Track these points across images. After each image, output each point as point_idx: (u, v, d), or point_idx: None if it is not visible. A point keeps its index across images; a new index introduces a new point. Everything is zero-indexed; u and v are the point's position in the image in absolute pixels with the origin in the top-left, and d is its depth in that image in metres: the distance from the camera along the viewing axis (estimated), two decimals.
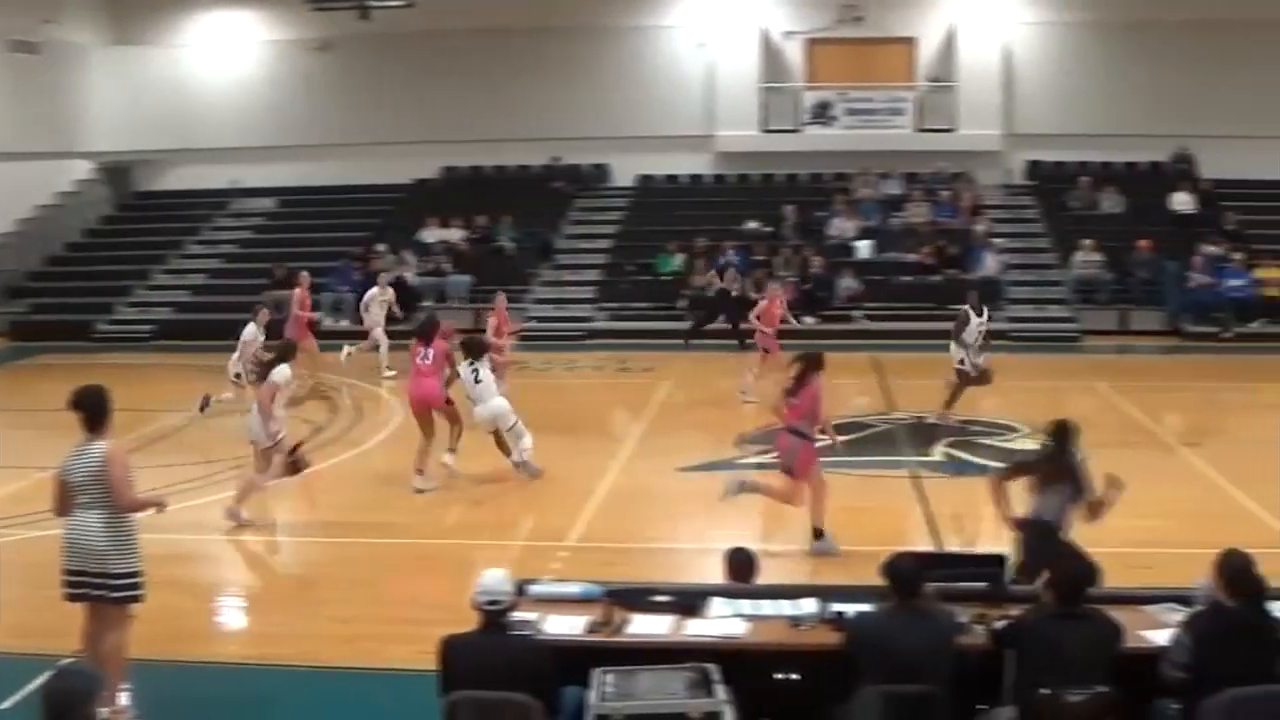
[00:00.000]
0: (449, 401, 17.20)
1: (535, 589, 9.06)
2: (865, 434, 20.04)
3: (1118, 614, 8.29)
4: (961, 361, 20.70)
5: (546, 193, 36.23)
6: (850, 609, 8.45)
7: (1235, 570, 8.03)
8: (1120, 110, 34.84)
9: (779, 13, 36.18)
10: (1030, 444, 18.97)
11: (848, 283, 30.65)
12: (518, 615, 8.19)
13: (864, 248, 32.81)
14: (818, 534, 13.98)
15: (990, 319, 21.59)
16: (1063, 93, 35.35)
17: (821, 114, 35.81)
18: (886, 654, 7.83)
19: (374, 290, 26.32)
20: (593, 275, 33.04)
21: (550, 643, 8.14)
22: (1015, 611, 8.28)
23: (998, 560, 9.25)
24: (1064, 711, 7.71)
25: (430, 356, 17.06)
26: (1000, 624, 8.23)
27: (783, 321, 23.46)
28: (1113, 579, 10.05)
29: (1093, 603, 8.17)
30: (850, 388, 22.97)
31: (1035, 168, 36.00)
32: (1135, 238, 31.33)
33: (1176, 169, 34.85)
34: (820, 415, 14.24)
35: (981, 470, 17.68)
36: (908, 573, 8.16)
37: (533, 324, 30.44)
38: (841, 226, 33.39)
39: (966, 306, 21.18)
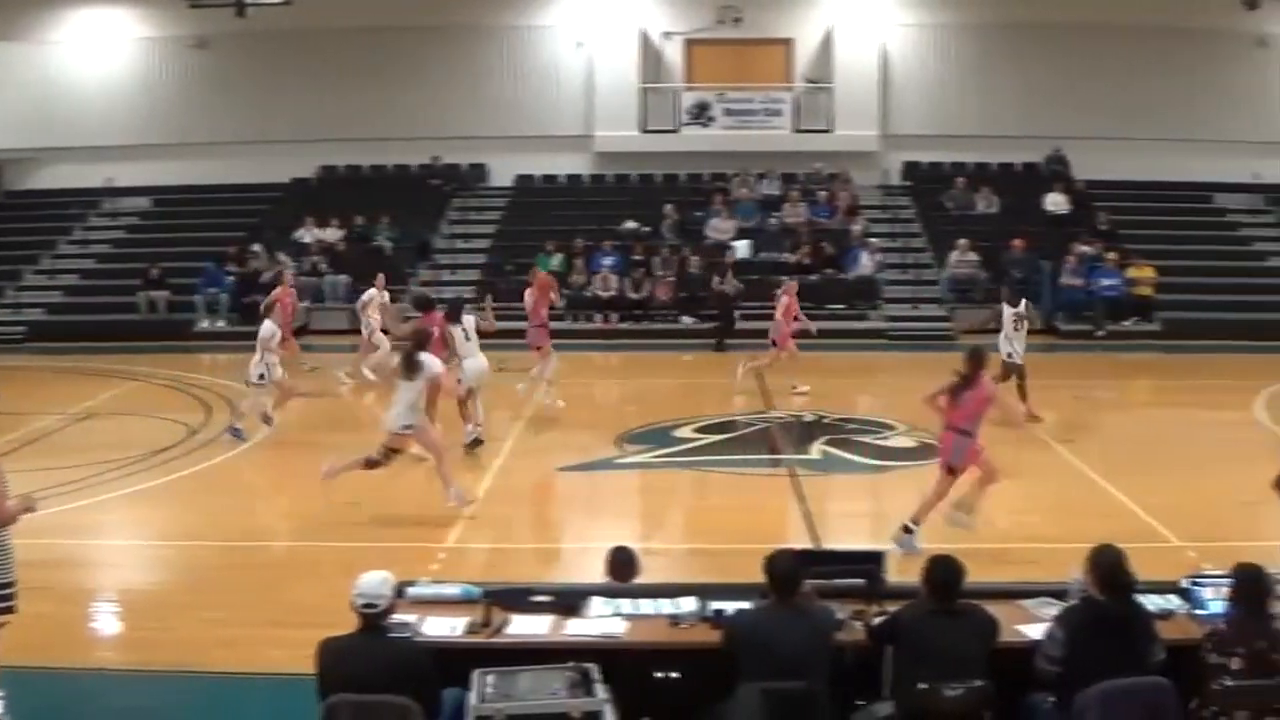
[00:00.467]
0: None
1: (414, 590, 8.99)
2: (743, 433, 20.13)
3: (994, 608, 8.38)
4: (1010, 355, 20.96)
5: (425, 192, 36.03)
6: (729, 607, 8.47)
7: (1106, 565, 8.16)
8: (996, 112, 35.33)
9: (658, 13, 36.25)
10: (907, 441, 19.20)
11: (733, 283, 30.75)
12: (397, 617, 8.13)
13: (741, 248, 32.92)
14: (909, 529, 13.71)
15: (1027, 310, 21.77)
16: (939, 94, 35.78)
17: (700, 114, 35.92)
18: (766, 651, 7.84)
19: (371, 292, 25.39)
20: (471, 275, 32.88)
21: (429, 644, 8.09)
22: (893, 607, 8.34)
23: (875, 557, 9.31)
24: (941, 706, 7.78)
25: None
26: (878, 620, 8.30)
27: (796, 319, 23.61)
28: (989, 573, 10.15)
29: (968, 597, 8.25)
30: (727, 386, 23.04)
31: (911, 168, 36.35)
32: (1010, 237, 31.70)
33: (1051, 170, 35.33)
34: (984, 415, 13.91)
35: (858, 468, 17.88)
36: (786, 570, 8.19)
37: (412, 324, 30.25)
38: (719, 227, 33.50)
39: (1004, 303, 21.41)
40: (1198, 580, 9.14)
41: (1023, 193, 34.50)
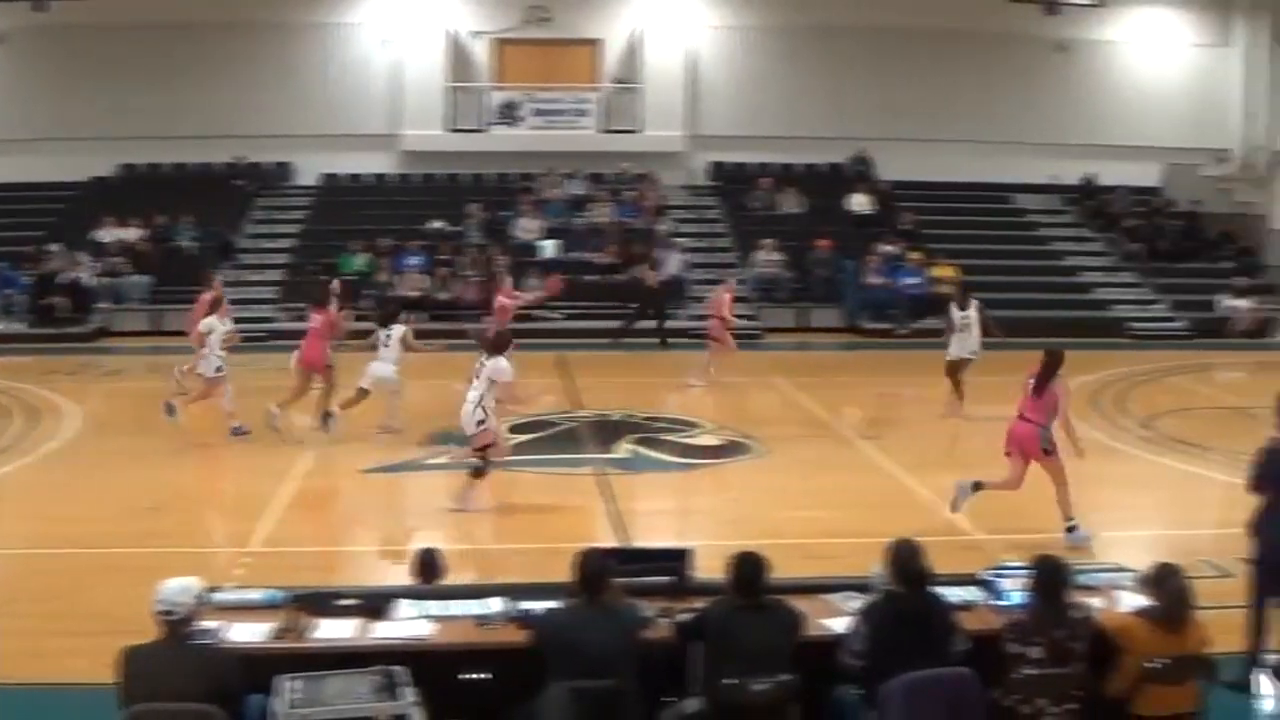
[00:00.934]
0: (329, 366, 19.56)
1: (218, 596, 8.83)
2: (551, 432, 20.11)
3: (799, 603, 8.47)
4: (955, 355, 21.78)
5: (228, 191, 35.44)
6: (537, 606, 8.45)
7: (902, 558, 8.31)
8: (801, 113, 35.78)
9: (466, 12, 36.07)
10: (713, 439, 19.35)
11: (533, 282, 30.68)
12: (202, 624, 7.99)
13: (549, 247, 32.92)
14: (1071, 527, 14.36)
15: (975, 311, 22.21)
16: (746, 96, 36.12)
17: (508, 114, 35.85)
18: (573, 650, 7.84)
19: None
20: (275, 275, 32.43)
21: (234, 650, 7.95)
22: (700, 604, 8.38)
23: (681, 554, 9.35)
24: (748, 700, 7.84)
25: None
26: (685, 616, 8.34)
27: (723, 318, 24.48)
28: (794, 568, 10.25)
29: (773, 593, 8.33)
30: (536, 387, 23.02)
31: (718, 169, 36.65)
32: (814, 237, 32.12)
33: (855, 171, 35.90)
34: (1061, 411, 14.57)
35: (665, 466, 17.96)
36: (593, 569, 8.19)
37: None
38: (527, 226, 33.45)
39: (954, 304, 22.07)
40: (998, 571, 9.33)
41: (827, 193, 34.97)
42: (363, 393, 19.46)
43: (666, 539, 14.30)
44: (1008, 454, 14.79)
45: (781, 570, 8.73)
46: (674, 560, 9.29)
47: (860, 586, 8.83)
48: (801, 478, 17.50)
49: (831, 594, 9.13)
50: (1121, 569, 10.20)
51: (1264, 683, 10.60)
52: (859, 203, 34.25)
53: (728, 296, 24.68)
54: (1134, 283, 33.79)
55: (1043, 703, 8.12)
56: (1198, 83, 38.37)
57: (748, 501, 16.36)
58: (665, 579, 9.06)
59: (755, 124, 35.87)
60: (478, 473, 15.40)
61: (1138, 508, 17.10)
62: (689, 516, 16.10)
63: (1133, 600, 9.02)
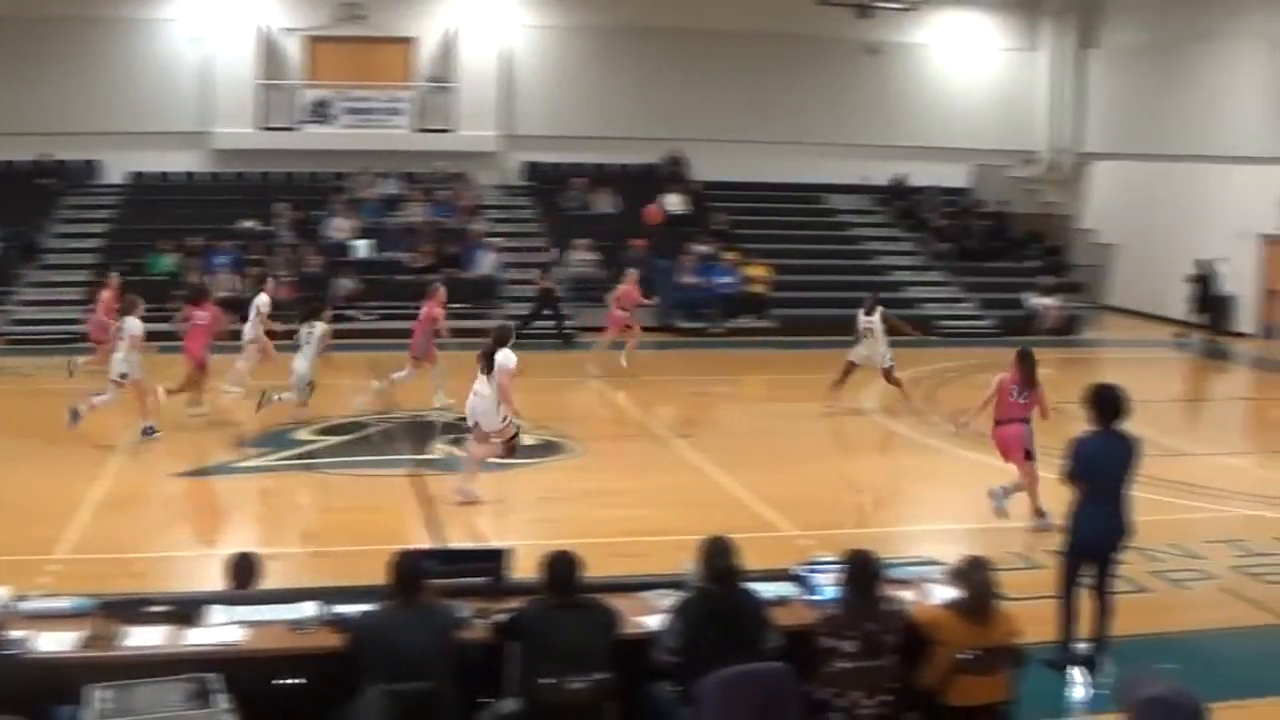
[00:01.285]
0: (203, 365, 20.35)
1: (24, 605, 8.64)
2: (365, 433, 19.97)
3: (615, 601, 8.51)
4: (865, 359, 22.20)
5: (33, 190, 34.55)
6: (352, 609, 8.39)
7: (713, 555, 8.41)
8: (615, 114, 35.89)
9: (278, 9, 35.57)
10: (527, 439, 19.33)
11: (346, 282, 30.44)
12: (8, 633, 7.81)
13: (362, 247, 32.63)
14: (1040, 513, 15.04)
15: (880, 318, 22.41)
16: (560, 96, 36.13)
17: (320, 112, 35.44)
18: (389, 652, 7.80)
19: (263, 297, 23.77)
20: (82, 276, 31.72)
21: (40, 660, 7.79)
22: (516, 604, 8.39)
23: (497, 555, 9.35)
24: (565, 699, 7.87)
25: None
26: (501, 617, 8.34)
27: (637, 306, 25.88)
28: (610, 567, 10.31)
29: (590, 591, 8.37)
30: (349, 388, 22.82)
31: (532, 169, 36.60)
32: (629, 237, 32.22)
33: (668, 171, 36.07)
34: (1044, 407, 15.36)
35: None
36: (408, 570, 8.16)
37: (18, 328, 29.12)
38: (340, 226, 33.13)
39: (861, 310, 22.38)
40: (811, 567, 9.46)
41: (641, 193, 35.07)
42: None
43: (482, 539, 14.32)
44: (1008, 458, 15.44)
45: (597, 569, 8.78)
46: (490, 561, 9.28)
47: (675, 584, 8.88)
48: (617, 477, 17.58)
49: (647, 592, 9.18)
50: (932, 563, 10.42)
51: (1075, 671, 10.92)
52: (672, 203, 34.44)
53: (628, 288, 25.59)
54: (943, 281, 34.44)
55: (857, 695, 8.26)
56: (1006, 86, 39.29)
57: (563, 501, 16.40)
58: (482, 579, 9.04)
59: (569, 124, 35.91)
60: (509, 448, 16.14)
61: (948, 502, 17.46)
62: (505, 517, 16.08)
63: (943, 593, 9.20)
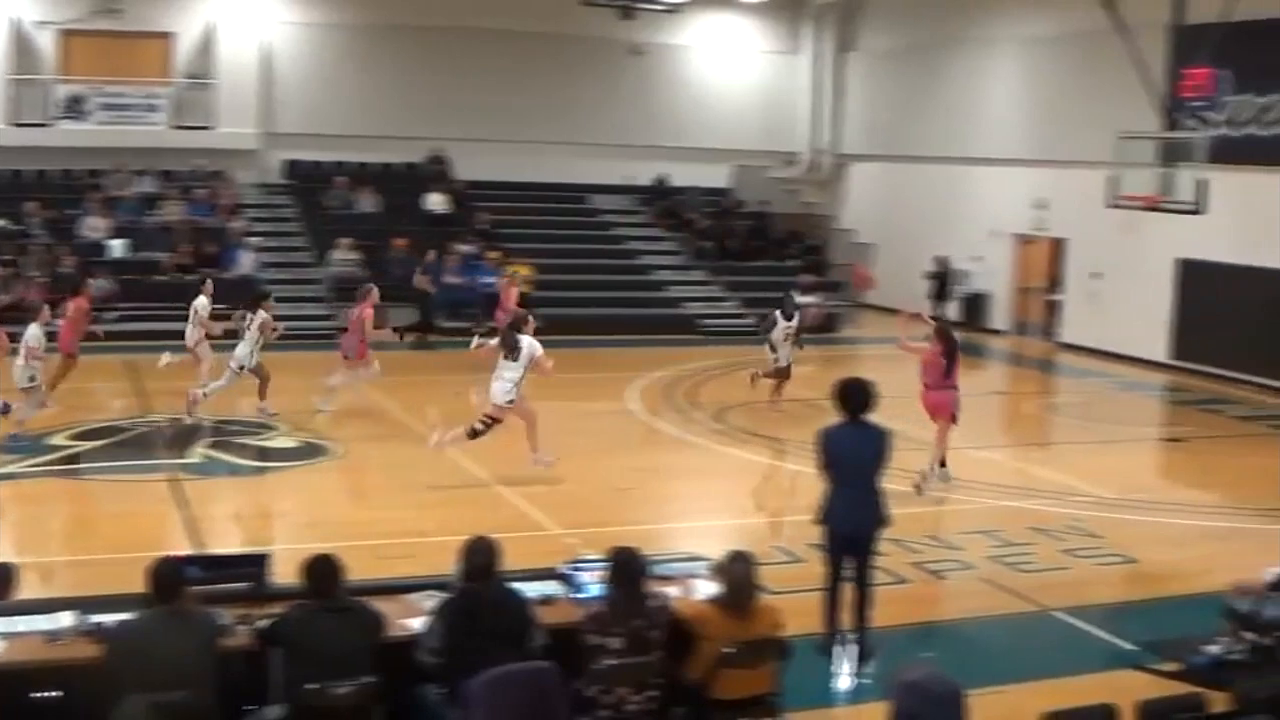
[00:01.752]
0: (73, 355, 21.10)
1: None
2: (121, 437, 19.50)
3: (379, 604, 8.45)
4: (776, 360, 22.57)
5: None
6: (110, 619, 8.18)
7: (472, 554, 8.38)
8: (378, 112, 35.58)
9: (29, 1, 34.51)
10: (288, 441, 19.12)
11: (101, 283, 29.66)
12: None
13: (118, 247, 31.83)
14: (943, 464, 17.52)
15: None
16: (322, 93, 35.63)
17: (74, 108, 34.44)
18: (148, 661, 7.61)
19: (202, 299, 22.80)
20: None
21: None
22: (279, 609, 8.27)
23: (259, 560, 9.20)
24: (330, 705, 7.79)
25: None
26: (263, 623, 8.21)
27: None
28: (375, 569, 10.24)
29: (353, 594, 8.29)
30: (105, 391, 22.30)
31: (293, 167, 36.07)
32: (391, 237, 31.97)
33: (431, 170, 35.86)
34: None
35: (239, 470, 17.66)
36: (166, 576, 7.98)
37: None
38: (95, 225, 32.26)
39: (776, 311, 22.93)
40: (577, 565, 9.49)
41: (404, 192, 34.84)
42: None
43: (243, 544, 14.09)
44: (936, 418, 17.44)
45: (361, 571, 8.71)
46: (251, 566, 9.13)
47: (440, 585, 8.84)
48: (380, 478, 17.48)
49: (411, 594, 9.13)
50: (696, 558, 10.55)
51: (841, 661, 11.15)
52: (435, 202, 34.24)
53: (512, 290, 26.57)
54: (705, 280, 34.79)
55: (624, 692, 8.31)
56: (768, 88, 39.86)
57: (326, 504, 16.24)
58: (243, 585, 8.89)
59: (331, 122, 35.46)
60: (475, 435, 17.20)
61: (712, 498, 17.70)
62: (266, 520, 15.87)
63: (707, 588, 9.31)
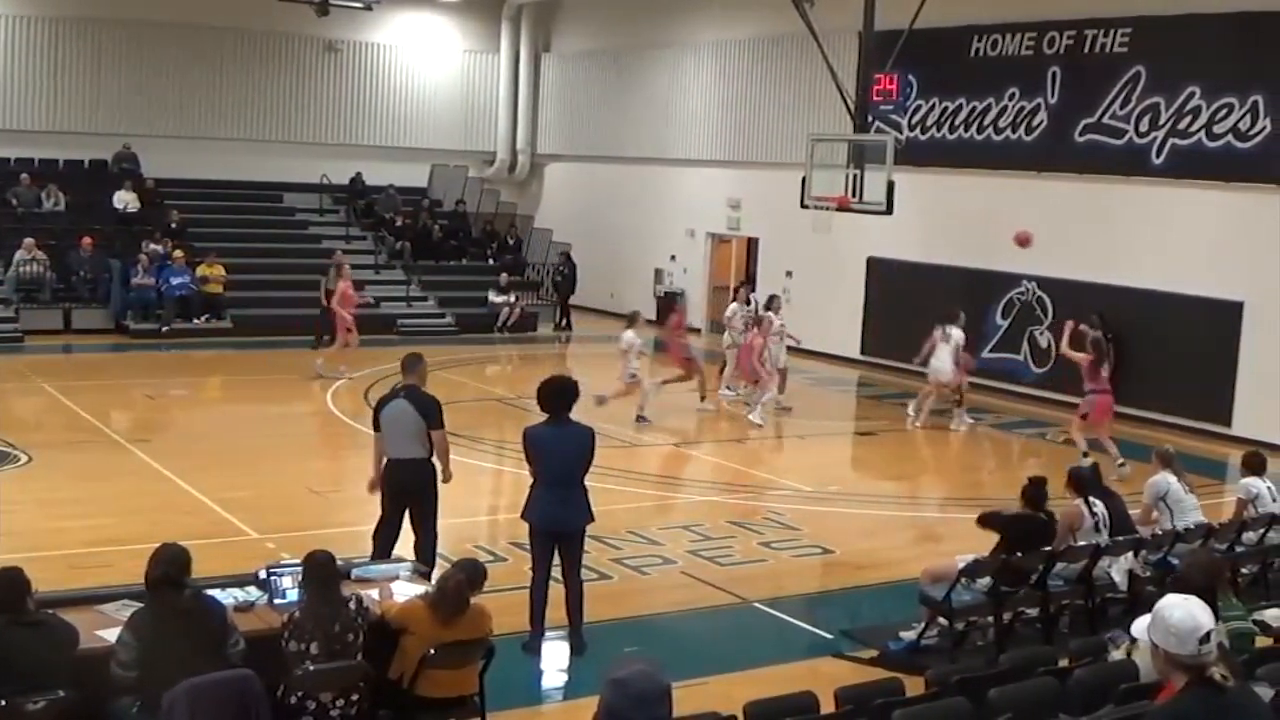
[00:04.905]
0: None
1: None
2: None
3: (73, 616, 8.21)
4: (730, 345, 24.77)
5: None
6: None
7: (161, 563, 8.10)
8: (64, 107, 34.48)
9: None
10: None
11: None
12: None
13: None
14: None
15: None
16: (3, 87, 34.30)
17: None
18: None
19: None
20: None
21: None
22: None
23: None
24: None
25: None
26: None
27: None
28: (69, 580, 9.95)
29: (46, 606, 8.04)
30: None
31: None
32: (78, 236, 31.03)
33: (120, 168, 34.86)
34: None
35: None
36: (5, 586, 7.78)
37: None
38: None
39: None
40: (274, 570, 9.34)
41: (91, 191, 33.84)
42: None
43: None
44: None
45: (55, 583, 8.45)
46: None
47: (137, 595, 8.62)
48: (70, 485, 16.92)
49: (106, 604, 8.88)
50: (399, 559, 10.52)
51: (545, 658, 11.25)
52: (124, 200, 33.31)
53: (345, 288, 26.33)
54: (402, 280, 34.55)
55: (326, 697, 8.24)
56: (467, 87, 39.80)
57: (12, 513, 15.62)
58: None
59: (14, 117, 34.13)
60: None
61: None
62: None
63: (408, 589, 9.31)
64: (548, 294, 36.30)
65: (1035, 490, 11.95)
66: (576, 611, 11.53)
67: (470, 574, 8.95)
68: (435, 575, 10.03)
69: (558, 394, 11.42)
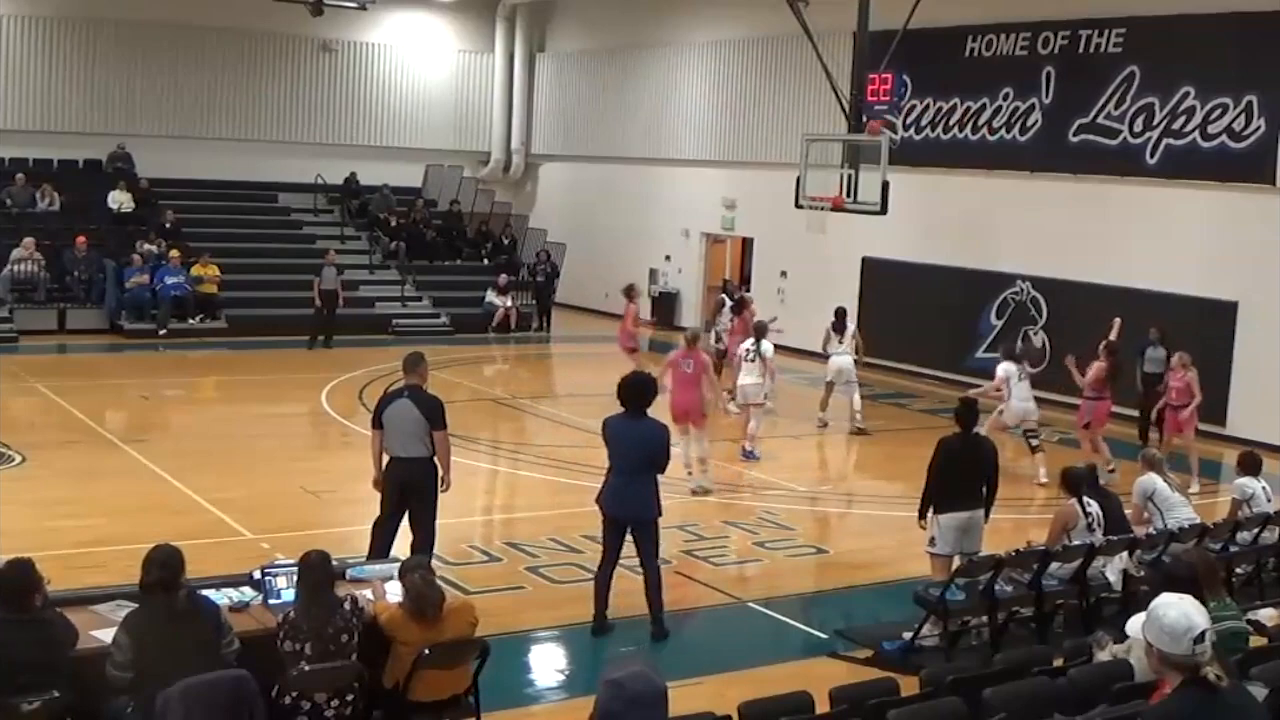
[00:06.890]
0: None
1: None
2: None
3: (70, 615, 8.21)
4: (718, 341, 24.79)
5: None
6: None
7: (155, 564, 8.07)
8: (59, 107, 34.46)
9: None
10: None
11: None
12: None
13: None
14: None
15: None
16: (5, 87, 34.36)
17: None
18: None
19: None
20: None
21: None
22: None
23: None
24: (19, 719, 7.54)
25: None
26: None
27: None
28: (65, 580, 9.91)
29: (45, 605, 8.04)
30: None
31: None
32: (73, 236, 31.01)
33: (114, 168, 34.84)
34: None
35: None
36: (15, 581, 7.83)
37: None
38: None
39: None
40: (269, 571, 9.34)
41: (86, 190, 33.82)
42: None
43: None
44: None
45: (52, 583, 8.42)
46: None
47: (131, 595, 8.62)
48: (65, 486, 16.90)
49: (100, 604, 8.88)
50: (394, 560, 10.53)
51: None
52: (118, 200, 33.28)
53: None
54: (397, 280, 34.55)
55: (321, 698, 8.25)
56: (461, 87, 39.82)
57: (10, 513, 15.62)
58: None
59: (9, 117, 34.16)
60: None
61: None
62: None
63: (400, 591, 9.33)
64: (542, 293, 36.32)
65: (966, 410, 13.64)
66: (654, 599, 12.13)
67: (419, 565, 9.03)
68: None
69: (636, 390, 12.16)
